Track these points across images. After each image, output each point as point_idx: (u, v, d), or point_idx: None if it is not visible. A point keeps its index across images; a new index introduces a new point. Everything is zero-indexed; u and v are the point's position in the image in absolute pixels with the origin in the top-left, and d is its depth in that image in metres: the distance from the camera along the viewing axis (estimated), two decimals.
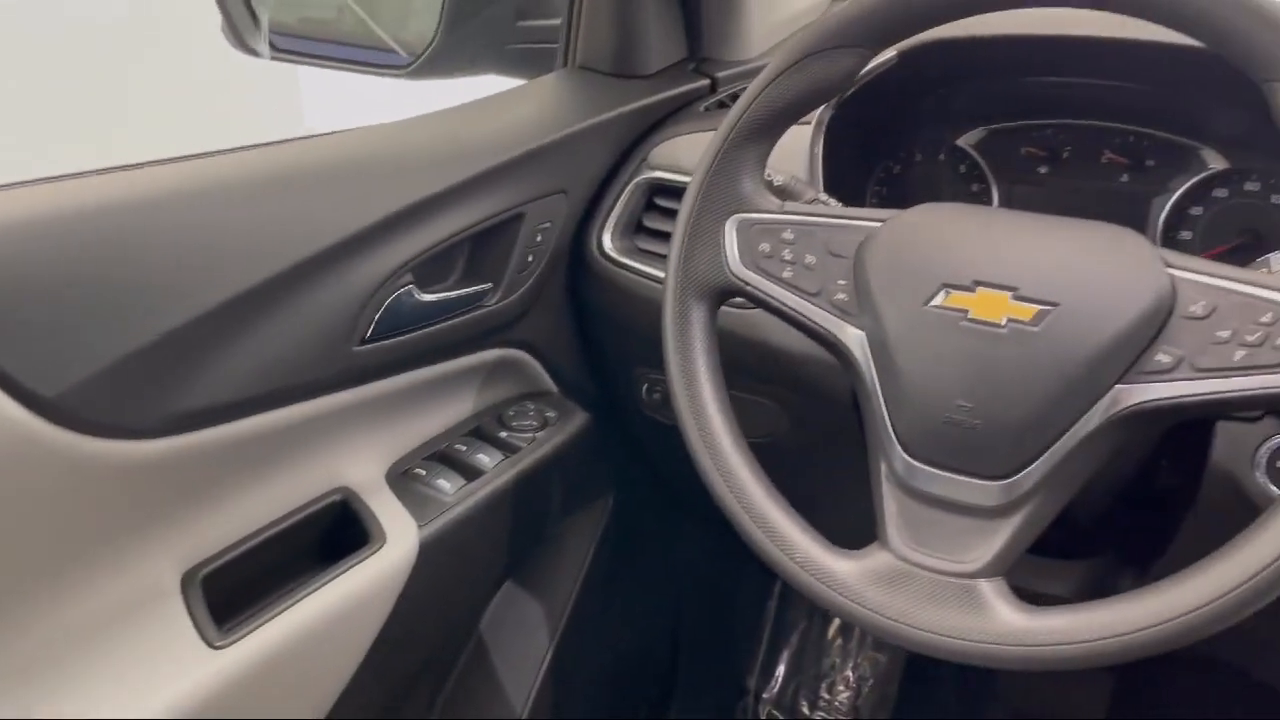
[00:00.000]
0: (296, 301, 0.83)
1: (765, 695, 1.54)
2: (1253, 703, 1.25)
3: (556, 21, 1.15)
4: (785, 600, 1.57)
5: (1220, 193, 0.93)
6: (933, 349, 0.70)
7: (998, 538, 0.69)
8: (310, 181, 0.87)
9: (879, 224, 0.75)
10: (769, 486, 0.77)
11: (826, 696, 1.51)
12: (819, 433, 0.99)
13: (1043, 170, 1.00)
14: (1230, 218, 0.93)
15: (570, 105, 1.08)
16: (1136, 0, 0.65)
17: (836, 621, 1.55)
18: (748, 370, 0.99)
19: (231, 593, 0.84)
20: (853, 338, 0.74)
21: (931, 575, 0.70)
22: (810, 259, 0.76)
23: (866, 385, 0.73)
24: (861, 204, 1.09)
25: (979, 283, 0.69)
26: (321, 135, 0.94)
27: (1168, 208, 0.94)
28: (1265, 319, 0.63)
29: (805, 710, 1.52)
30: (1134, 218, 0.96)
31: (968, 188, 1.04)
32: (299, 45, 1.22)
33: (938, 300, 0.70)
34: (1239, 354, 0.63)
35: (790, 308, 0.77)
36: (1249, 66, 0.63)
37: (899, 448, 0.72)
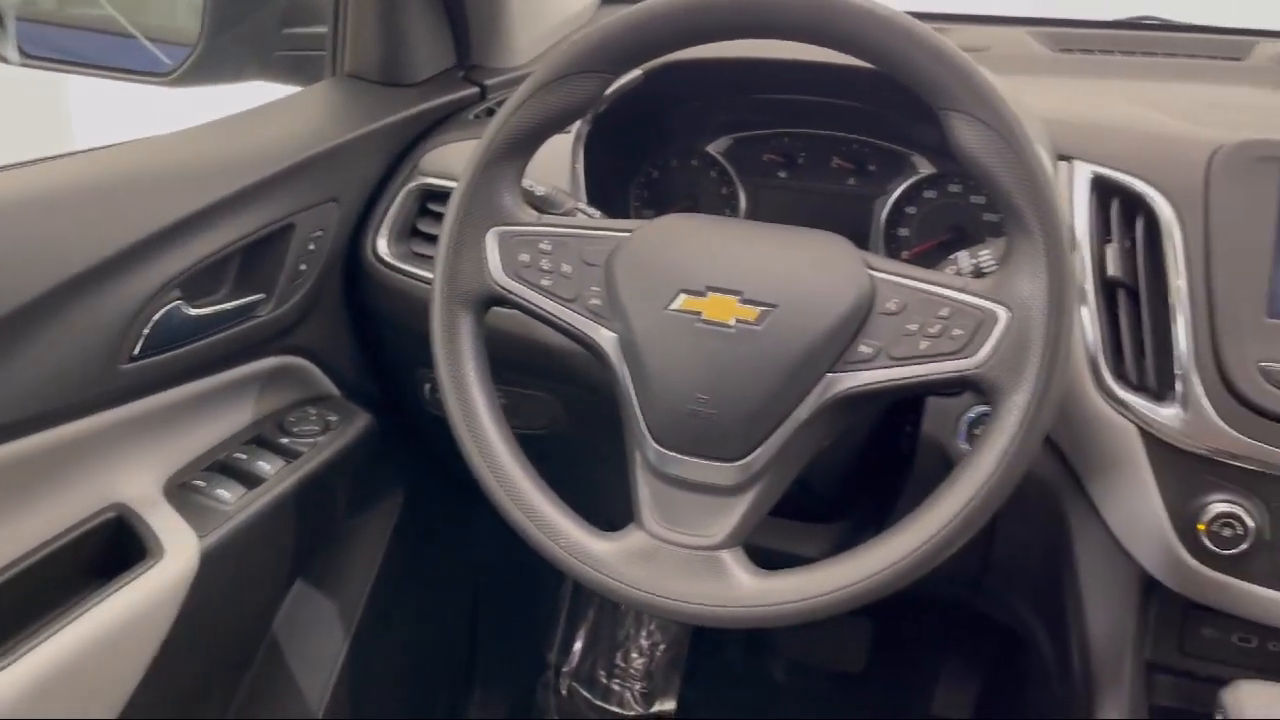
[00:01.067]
0: (58, 323, 0.83)
1: (565, 669, 1.62)
2: (979, 634, 1.42)
3: (323, 29, 1.16)
4: None
5: (930, 194, 1.06)
6: (674, 349, 0.78)
7: (735, 513, 0.78)
8: (69, 200, 0.87)
9: (627, 234, 0.82)
10: (537, 480, 0.83)
11: (622, 664, 1.60)
12: (593, 423, 1.07)
13: (783, 174, 1.10)
14: (939, 216, 1.06)
15: (339, 115, 1.10)
16: (830, 37, 0.74)
17: None
18: (524, 366, 1.05)
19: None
20: (607, 340, 0.81)
21: (679, 550, 0.78)
22: (566, 268, 0.83)
23: (620, 383, 0.81)
24: (625, 209, 1.16)
25: (711, 288, 0.78)
26: (82, 152, 0.93)
27: (887, 207, 1.06)
28: (943, 313, 0.74)
29: (603, 679, 1.61)
30: (861, 216, 1.08)
31: (720, 191, 1.13)
32: (53, 51, 1.18)
33: (676, 304, 0.78)
34: (924, 344, 0.74)
35: (550, 313, 0.83)
36: (925, 94, 0.74)
37: (650, 438, 0.80)
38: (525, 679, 1.61)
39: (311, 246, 1.03)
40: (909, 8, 0.77)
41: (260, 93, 1.17)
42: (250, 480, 0.98)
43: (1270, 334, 0.82)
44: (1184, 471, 0.84)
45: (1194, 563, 0.84)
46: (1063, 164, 0.93)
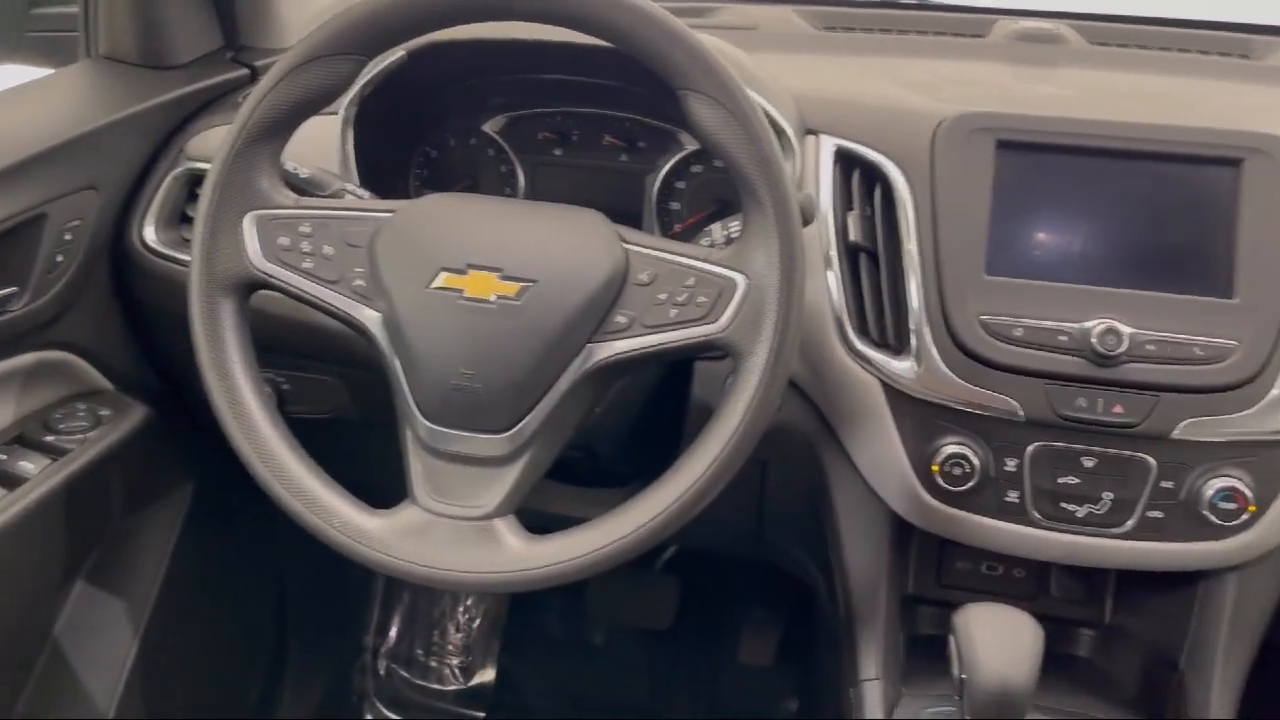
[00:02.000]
0: None
1: (382, 650, 1.62)
2: (776, 585, 1.51)
3: (74, 9, 1.11)
4: None
5: (697, 168, 1.10)
6: (437, 326, 0.80)
7: (506, 482, 0.81)
8: None
9: (389, 214, 0.83)
10: (308, 462, 0.83)
11: (439, 641, 1.62)
12: (376, 404, 1.07)
13: (558, 152, 1.13)
14: (706, 189, 1.11)
15: (94, 99, 1.06)
16: (565, 18, 0.77)
17: None
18: (303, 350, 1.04)
19: None
20: (371, 319, 0.82)
21: (453, 521, 0.80)
22: (328, 249, 0.83)
23: (387, 361, 0.82)
24: (406, 189, 1.17)
25: (471, 265, 0.80)
26: None
27: (658, 183, 1.11)
28: (689, 283, 0.78)
29: (421, 657, 1.62)
30: (635, 191, 1.12)
31: (498, 169, 1.15)
32: None
33: (438, 282, 0.80)
34: (673, 312, 0.78)
35: (313, 295, 0.83)
36: (662, 74, 0.78)
37: (419, 414, 0.81)
38: (340, 665, 1.61)
39: (68, 237, 0.99)
40: None
41: (8, 76, 1.11)
42: (11, 481, 0.94)
43: (989, 290, 0.91)
44: (920, 418, 0.92)
45: (931, 500, 0.93)
46: (810, 138, 0.99)
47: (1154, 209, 0.92)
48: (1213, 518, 0.88)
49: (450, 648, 1.62)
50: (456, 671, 1.61)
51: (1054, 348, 0.89)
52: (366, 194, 0.97)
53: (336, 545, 0.81)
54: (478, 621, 1.62)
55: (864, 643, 0.99)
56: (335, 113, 1.02)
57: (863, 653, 0.98)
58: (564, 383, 0.80)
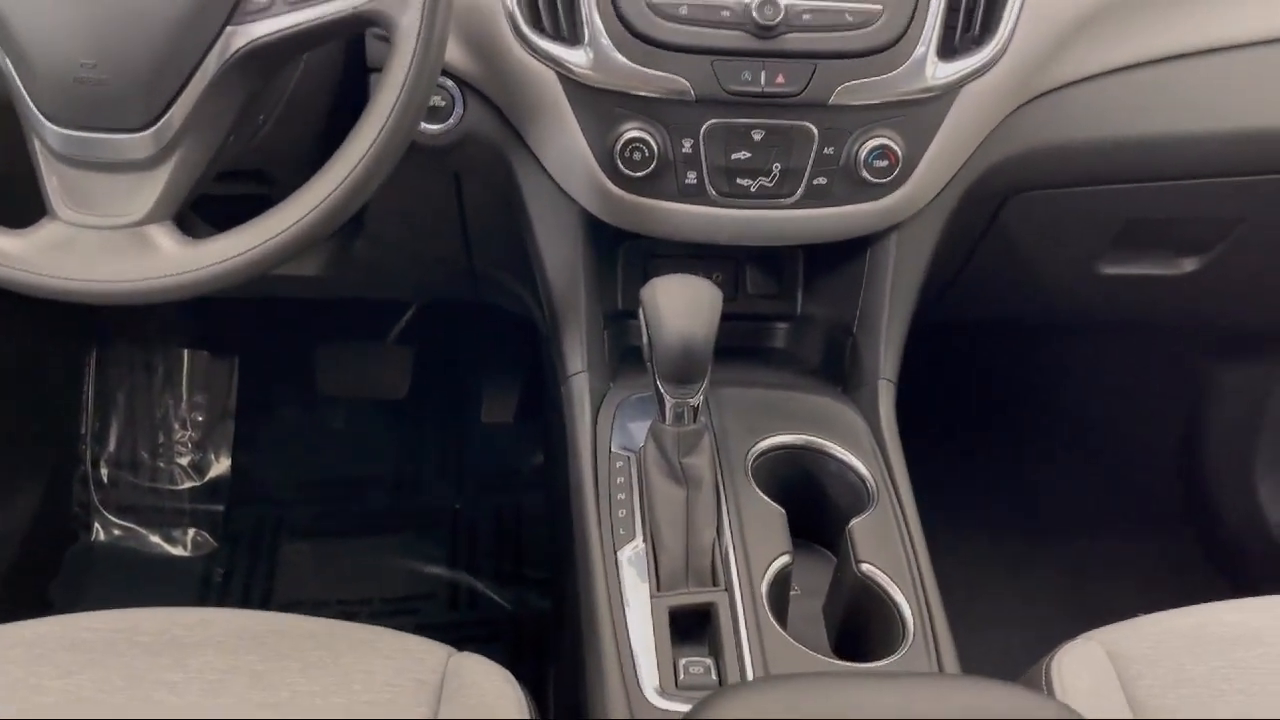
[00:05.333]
0: None
1: (103, 459, 1.54)
2: (508, 340, 1.51)
3: None
4: (103, 364, 1.55)
5: None
6: (44, 11, 0.72)
7: (157, 183, 0.76)
8: None
9: None
10: None
11: (165, 441, 1.55)
12: None
13: None
14: None
15: None
16: None
17: (161, 369, 1.57)
18: None
19: None
20: None
21: (100, 232, 0.75)
22: None
23: None
24: None
25: None
26: None
27: None
28: None
29: (147, 460, 1.55)
30: None
31: None
32: None
33: None
34: None
35: None
36: None
37: (42, 118, 0.74)
38: (58, 478, 1.51)
39: None
40: None
41: None
42: None
43: None
44: (598, 107, 0.93)
45: (615, 189, 0.95)
46: None
47: None
48: (869, 177, 0.94)
49: (179, 447, 1.55)
50: (188, 470, 1.55)
51: (717, 23, 0.90)
52: None
53: None
54: (203, 417, 1.56)
55: (569, 341, 1.01)
56: None
57: (568, 350, 1.01)
58: (205, 71, 0.74)
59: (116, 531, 1.50)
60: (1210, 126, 1.02)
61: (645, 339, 0.87)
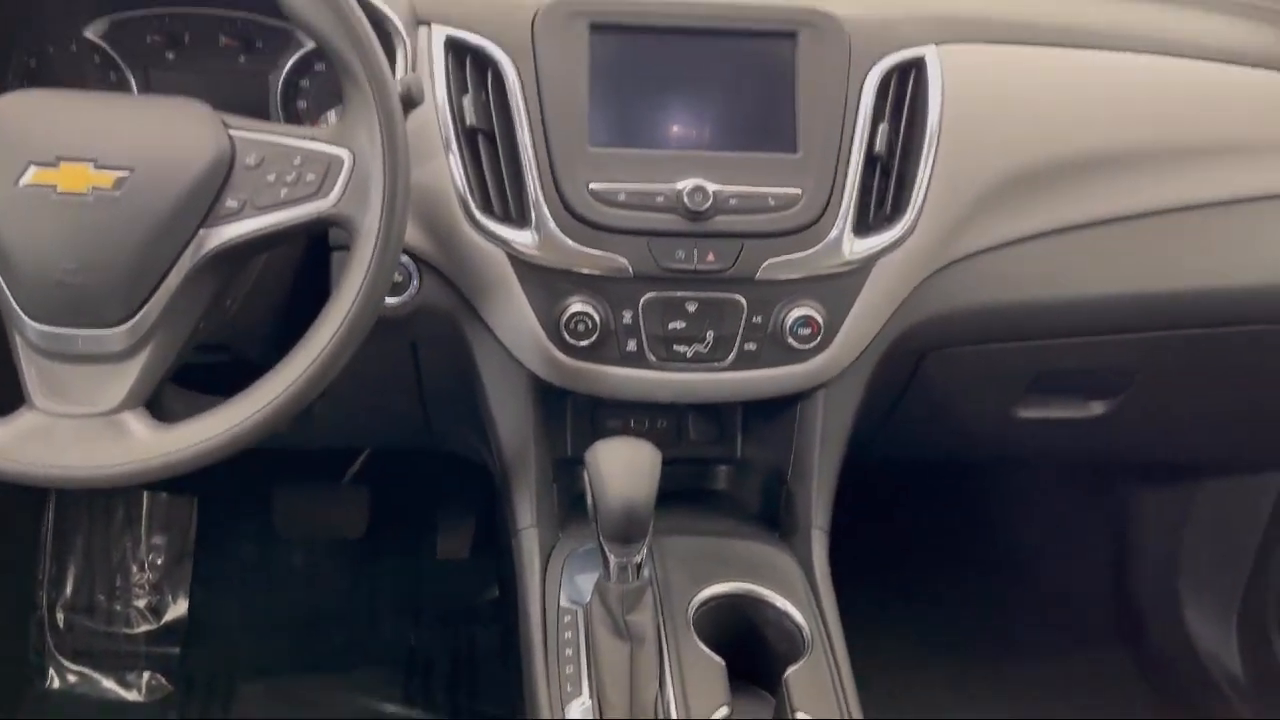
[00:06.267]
0: None
1: (60, 603, 1.55)
2: (465, 477, 1.56)
3: None
4: (62, 509, 1.58)
5: (320, 66, 1.12)
6: (30, 224, 0.78)
7: (131, 374, 0.81)
8: None
9: None
10: None
11: (122, 583, 1.57)
12: None
13: (171, 55, 1.10)
14: (332, 85, 1.13)
15: None
16: None
17: (120, 511, 1.59)
18: None
19: None
20: None
21: (76, 421, 0.80)
22: None
23: None
24: None
25: (61, 158, 0.78)
26: None
27: (281, 81, 1.11)
28: (297, 162, 0.81)
29: (104, 603, 1.56)
30: (259, 92, 1.12)
31: (107, 77, 1.10)
32: None
33: (27, 178, 0.78)
34: (284, 191, 0.81)
35: None
36: None
37: (24, 316, 0.80)
38: (15, 624, 1.52)
39: None
40: None
41: None
42: None
43: (594, 161, 1.00)
44: (545, 283, 1.00)
45: (562, 356, 1.02)
46: (423, 28, 1.03)
47: (729, 79, 1.04)
48: (795, 344, 1.02)
49: (136, 590, 1.57)
50: (145, 613, 1.57)
51: (653, 208, 0.99)
52: None
53: None
54: (161, 558, 1.58)
55: (519, 496, 1.07)
56: None
57: (518, 505, 1.07)
58: (179, 271, 0.81)
59: (72, 677, 1.51)
60: (1106, 290, 1.12)
61: (590, 500, 0.92)
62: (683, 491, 1.18)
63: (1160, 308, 1.14)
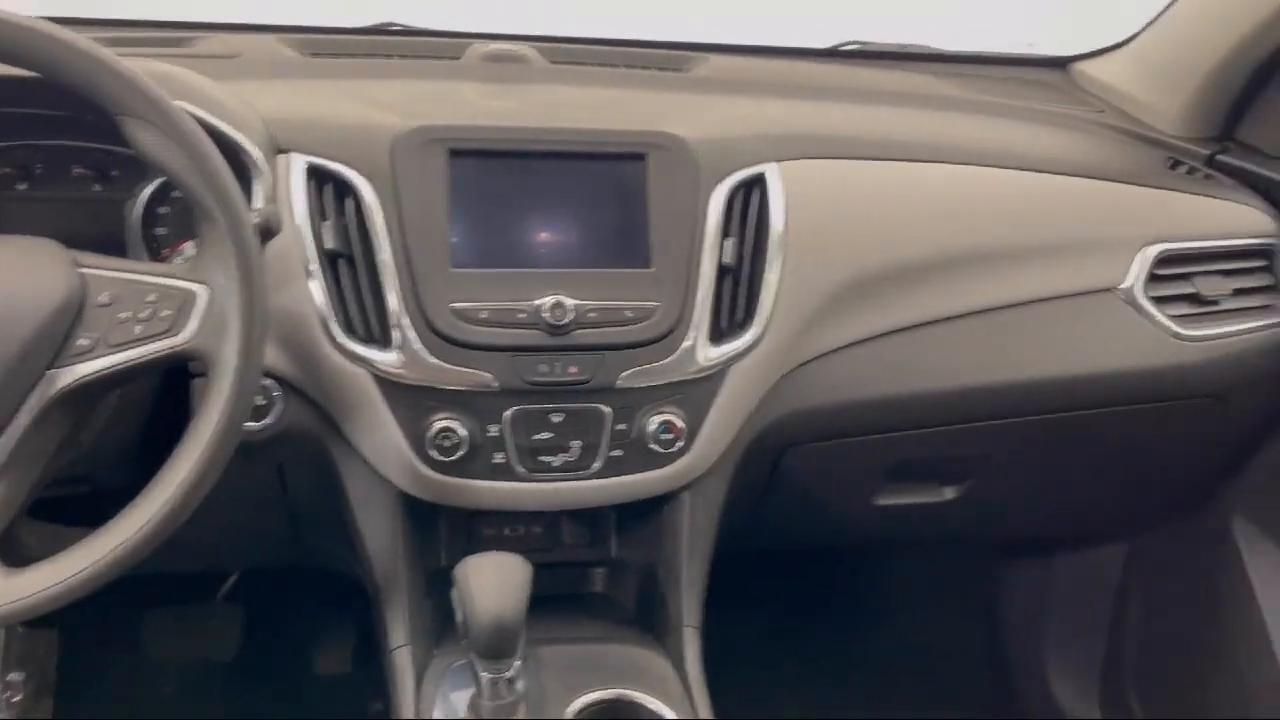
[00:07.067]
0: None
1: None
2: (342, 592, 1.55)
3: None
4: None
5: (178, 193, 1.12)
6: None
7: None
8: None
9: None
10: None
11: None
12: None
13: (22, 187, 1.09)
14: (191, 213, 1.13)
15: None
16: None
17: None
18: None
19: None
20: None
21: None
22: None
23: None
24: None
25: None
26: None
27: (138, 211, 1.11)
28: (151, 299, 0.82)
29: None
30: (115, 221, 1.11)
31: None
32: None
33: None
34: (138, 328, 0.82)
35: None
36: (99, 102, 0.81)
37: None
38: None
39: None
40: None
41: None
42: None
43: (456, 281, 1.03)
44: (410, 401, 1.02)
45: (429, 472, 1.03)
46: (282, 157, 1.05)
47: (586, 199, 1.09)
48: (657, 448, 1.06)
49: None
50: None
51: (515, 324, 1.02)
52: None
53: None
54: (19, 697, 1.50)
55: (391, 615, 1.07)
56: None
57: (391, 624, 1.07)
58: (27, 411, 0.80)
59: None
60: (948, 384, 1.19)
61: (459, 616, 0.93)
62: (560, 596, 1.19)
63: (999, 398, 1.21)
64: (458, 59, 1.39)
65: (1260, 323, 1.26)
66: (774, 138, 1.16)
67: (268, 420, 1.03)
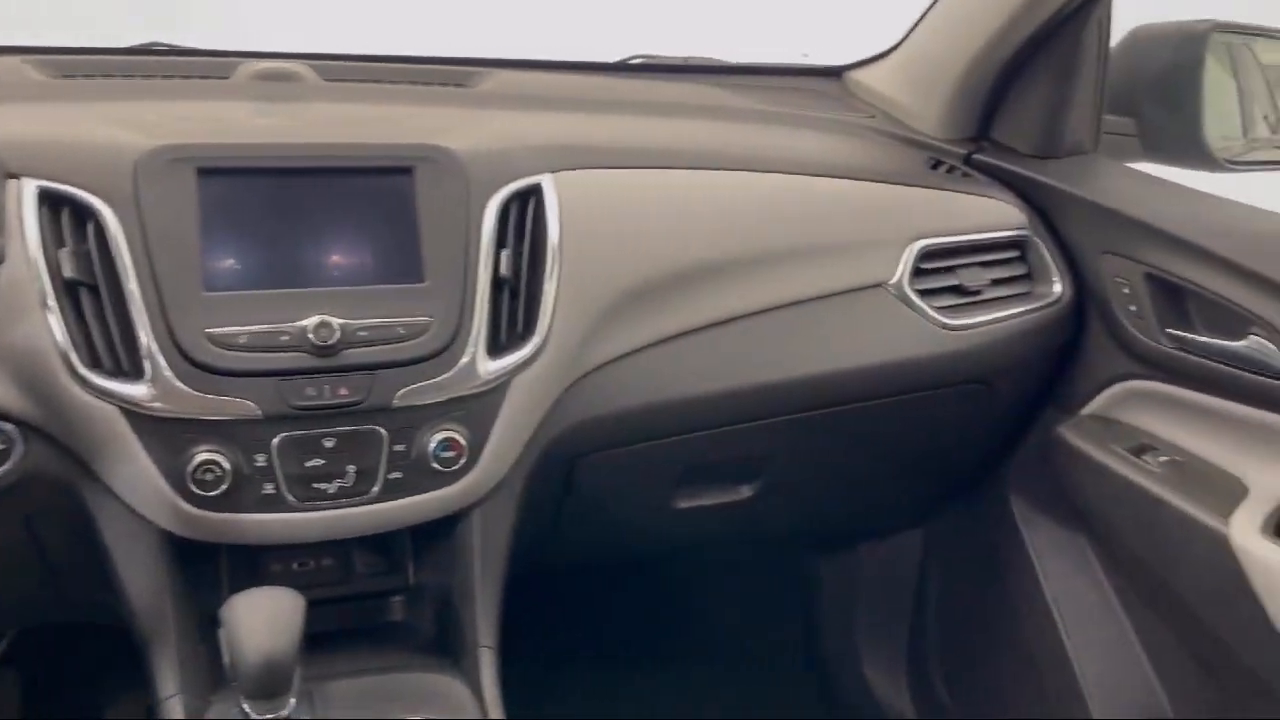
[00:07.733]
0: None
1: None
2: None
3: None
4: None
5: None
6: None
7: None
8: None
9: None
10: None
11: None
12: None
13: None
14: None
15: None
16: None
17: None
18: None
19: None
20: None
21: None
22: None
23: None
24: None
25: None
26: None
27: None
28: None
29: None
30: None
31: None
32: None
33: None
34: None
35: None
36: None
37: None
38: None
39: None
40: None
41: None
42: None
43: (210, 305, 0.98)
44: (165, 435, 0.96)
45: (193, 509, 0.97)
46: (12, 182, 0.98)
47: (349, 216, 1.05)
48: (439, 468, 1.03)
49: None
50: None
51: (277, 347, 0.98)
52: None
53: None
54: None
55: (159, 662, 1.00)
56: None
57: (159, 672, 1.00)
58: None
59: None
60: (730, 384, 1.21)
61: (226, 659, 0.88)
62: (351, 631, 1.14)
63: (781, 395, 1.24)
64: (226, 78, 1.33)
65: (1019, 309, 1.34)
66: (549, 148, 1.16)
67: (6, 466, 0.95)
